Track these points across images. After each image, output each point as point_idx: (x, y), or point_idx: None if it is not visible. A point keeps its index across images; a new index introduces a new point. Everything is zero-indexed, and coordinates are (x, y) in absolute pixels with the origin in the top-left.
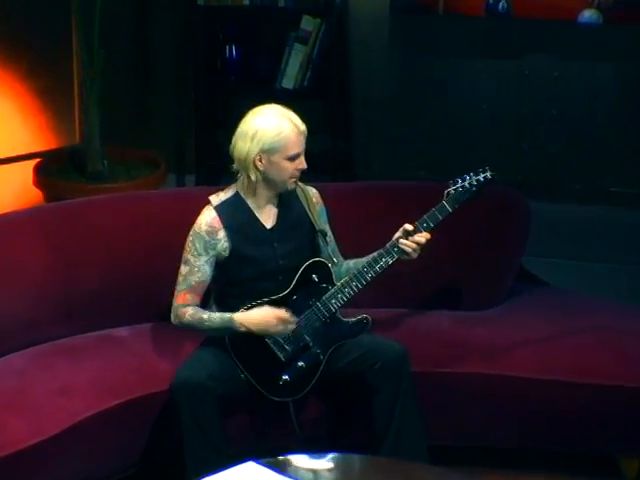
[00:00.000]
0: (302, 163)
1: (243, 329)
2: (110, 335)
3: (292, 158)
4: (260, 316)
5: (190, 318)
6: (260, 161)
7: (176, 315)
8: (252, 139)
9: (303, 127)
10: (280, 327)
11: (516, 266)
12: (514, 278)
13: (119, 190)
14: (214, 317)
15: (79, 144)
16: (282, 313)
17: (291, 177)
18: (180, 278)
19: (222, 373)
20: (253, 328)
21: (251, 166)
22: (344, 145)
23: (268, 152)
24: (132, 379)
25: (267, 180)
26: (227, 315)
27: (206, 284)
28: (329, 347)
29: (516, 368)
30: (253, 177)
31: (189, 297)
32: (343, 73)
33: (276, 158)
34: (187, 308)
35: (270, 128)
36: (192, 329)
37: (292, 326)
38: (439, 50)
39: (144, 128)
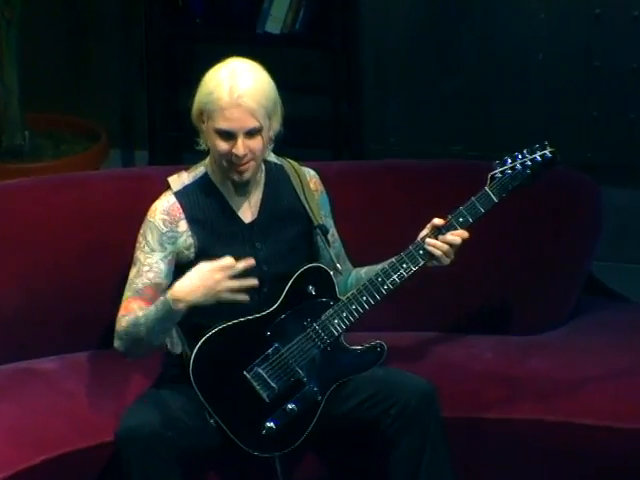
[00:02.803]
0: (237, 147)
1: (182, 305)
2: (33, 368)
3: (222, 134)
4: (194, 276)
5: (125, 326)
6: (202, 122)
7: (115, 331)
8: (197, 90)
9: (246, 102)
10: (228, 282)
11: (583, 274)
12: (581, 291)
13: (45, 171)
14: (149, 309)
15: None
16: (220, 261)
17: (227, 162)
18: (126, 286)
19: (184, 418)
20: (192, 297)
21: (197, 126)
22: (350, 110)
23: (203, 113)
24: (63, 428)
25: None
26: (161, 298)
27: (160, 291)
28: (330, 384)
29: (585, 413)
30: (203, 145)
31: (134, 306)
32: (349, 14)
33: (209, 125)
34: (125, 318)
35: (207, 82)
36: (134, 346)
37: (250, 281)
38: None
39: (78, 89)
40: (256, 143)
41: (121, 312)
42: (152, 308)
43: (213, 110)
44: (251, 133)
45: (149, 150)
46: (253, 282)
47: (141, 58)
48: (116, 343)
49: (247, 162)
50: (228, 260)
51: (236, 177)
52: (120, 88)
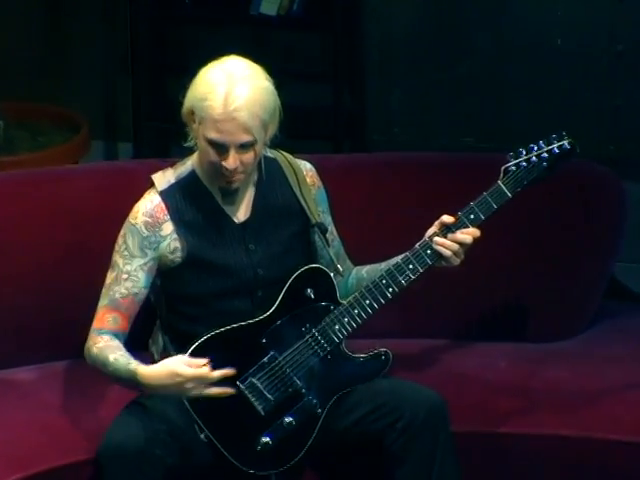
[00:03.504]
0: (227, 161)
1: (147, 391)
2: (7, 378)
3: (212, 143)
4: (168, 374)
5: (96, 353)
6: (193, 121)
7: (87, 347)
8: (190, 85)
9: (241, 116)
10: (199, 389)
11: (605, 277)
12: (602, 295)
13: (20, 165)
14: (120, 363)
15: None
16: (198, 371)
17: (215, 171)
18: (102, 291)
19: (173, 434)
20: (159, 392)
21: (188, 123)
22: (352, 99)
23: (195, 114)
24: (40, 443)
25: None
26: (132, 365)
27: (138, 300)
28: (331, 396)
29: (606, 426)
30: (192, 141)
31: (109, 318)
32: None
33: (199, 129)
34: (101, 336)
35: (200, 84)
36: (101, 372)
37: (216, 389)
38: None
39: (57, 75)
40: (248, 156)
41: (95, 323)
42: (124, 364)
43: (205, 118)
44: (244, 147)
45: (134, 142)
46: (229, 391)
47: (126, 42)
48: (85, 355)
49: (237, 174)
50: (205, 370)
51: (224, 186)
52: (102, 74)
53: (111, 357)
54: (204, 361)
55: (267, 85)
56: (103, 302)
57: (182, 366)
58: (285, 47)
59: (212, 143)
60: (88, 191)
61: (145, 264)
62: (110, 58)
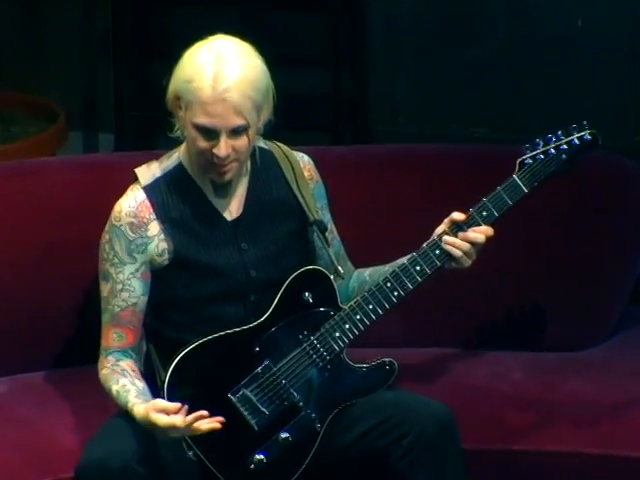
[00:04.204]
0: (219, 148)
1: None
2: None
3: (201, 130)
4: (145, 418)
5: (102, 380)
6: (179, 108)
7: (98, 367)
8: (175, 68)
9: (232, 97)
10: (177, 432)
11: (630, 280)
12: (627, 300)
13: None
14: (121, 398)
15: None
16: (165, 419)
17: (206, 161)
18: (102, 305)
19: (158, 450)
20: (150, 428)
21: (173, 111)
22: (354, 85)
23: (180, 99)
24: (14, 461)
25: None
26: (130, 404)
27: (139, 310)
28: (331, 409)
29: (631, 443)
30: (178, 132)
31: (114, 335)
32: None
33: (186, 116)
34: (107, 358)
35: (186, 66)
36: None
37: (205, 427)
38: None
39: (31, 60)
40: (241, 143)
41: (102, 342)
42: (122, 402)
43: (192, 102)
44: (236, 132)
45: (115, 133)
46: (216, 426)
47: (107, 23)
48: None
49: (229, 163)
50: (178, 419)
51: (215, 178)
52: (81, 59)
53: (114, 389)
54: (178, 405)
55: (259, 63)
56: (105, 317)
57: (154, 415)
58: (281, 29)
59: (201, 129)
60: (65, 186)
61: (137, 270)
62: (90, 41)
